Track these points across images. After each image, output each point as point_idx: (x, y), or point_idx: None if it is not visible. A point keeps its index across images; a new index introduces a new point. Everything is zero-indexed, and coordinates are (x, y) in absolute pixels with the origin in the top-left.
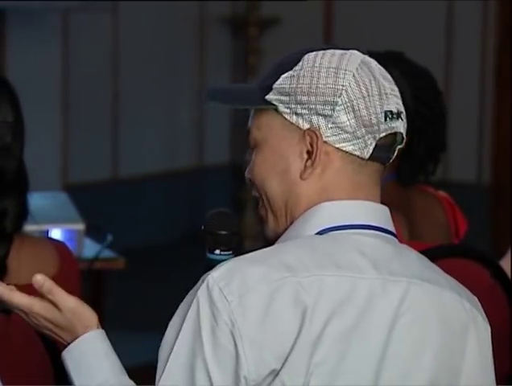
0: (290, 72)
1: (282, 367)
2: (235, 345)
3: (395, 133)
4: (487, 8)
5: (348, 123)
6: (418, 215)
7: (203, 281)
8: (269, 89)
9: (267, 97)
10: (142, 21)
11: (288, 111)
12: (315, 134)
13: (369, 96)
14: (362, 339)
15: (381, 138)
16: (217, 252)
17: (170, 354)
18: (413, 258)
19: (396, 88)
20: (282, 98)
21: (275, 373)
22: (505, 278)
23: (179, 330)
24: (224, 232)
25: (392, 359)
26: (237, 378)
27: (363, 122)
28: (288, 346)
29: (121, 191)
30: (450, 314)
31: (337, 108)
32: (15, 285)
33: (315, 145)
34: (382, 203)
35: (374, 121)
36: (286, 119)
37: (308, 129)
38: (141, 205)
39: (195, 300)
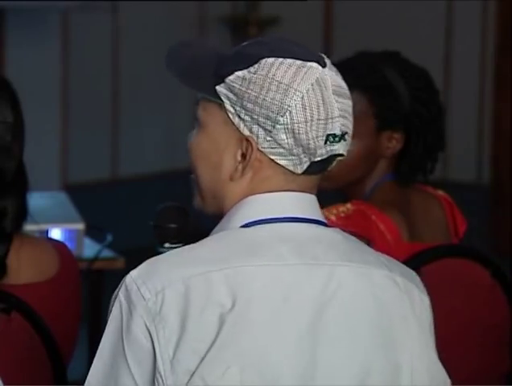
0: (244, 72)
1: (200, 364)
2: (152, 343)
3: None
4: (487, 8)
5: (286, 141)
6: (417, 215)
7: (123, 281)
8: (221, 80)
9: (217, 88)
10: (141, 21)
11: (233, 111)
12: (252, 144)
13: (312, 120)
14: (287, 326)
15: (317, 160)
16: (167, 245)
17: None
18: (339, 241)
19: (349, 103)
20: (231, 96)
21: (193, 372)
22: (505, 278)
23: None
24: (173, 226)
25: (327, 343)
26: (154, 376)
27: (301, 143)
28: (206, 345)
29: (120, 191)
30: (382, 290)
31: (278, 126)
32: (15, 286)
33: (249, 154)
34: (382, 202)
35: (312, 145)
36: (229, 117)
37: (247, 136)
38: (140, 205)
39: (117, 300)
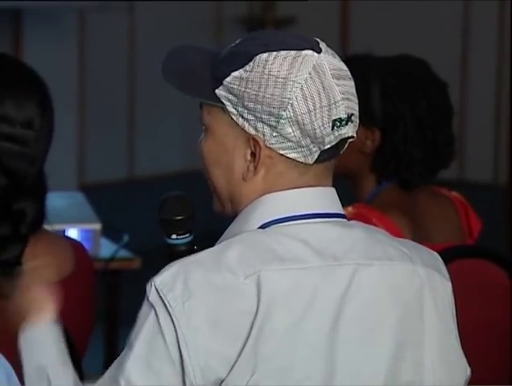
0: (240, 72)
1: (229, 372)
2: (180, 351)
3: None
4: (504, 8)
5: (292, 134)
6: (429, 218)
7: (150, 287)
8: (219, 83)
9: (217, 92)
10: (158, 21)
11: (235, 112)
12: (259, 142)
13: (315, 109)
14: (310, 330)
15: (327, 148)
16: (174, 236)
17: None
18: (360, 236)
19: (351, 84)
20: (231, 97)
21: (222, 379)
22: None
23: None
24: (178, 217)
25: (344, 344)
26: (184, 383)
27: (308, 134)
28: (235, 352)
29: (137, 191)
30: (402, 285)
31: (282, 120)
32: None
33: (257, 152)
34: (383, 204)
35: (319, 134)
36: (233, 119)
37: (253, 135)
38: (157, 205)
39: (148, 305)
